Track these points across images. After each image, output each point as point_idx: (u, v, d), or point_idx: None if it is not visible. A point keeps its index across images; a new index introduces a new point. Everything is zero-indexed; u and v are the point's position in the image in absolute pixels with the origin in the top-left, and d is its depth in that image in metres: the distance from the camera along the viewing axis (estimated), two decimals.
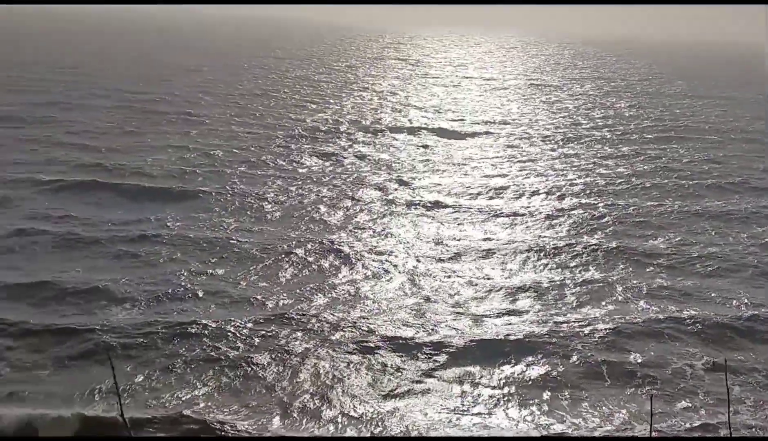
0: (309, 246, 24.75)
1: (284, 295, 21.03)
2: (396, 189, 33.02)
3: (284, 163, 37.33)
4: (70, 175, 32.41)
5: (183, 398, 15.68)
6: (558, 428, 15.34)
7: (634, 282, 23.05)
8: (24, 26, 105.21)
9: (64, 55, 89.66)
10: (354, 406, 15.75)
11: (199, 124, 47.96)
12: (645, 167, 39.48)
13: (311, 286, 21.80)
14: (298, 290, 21.42)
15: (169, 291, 20.86)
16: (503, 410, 15.96)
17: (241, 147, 40.75)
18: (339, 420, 15.29)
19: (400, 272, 23.20)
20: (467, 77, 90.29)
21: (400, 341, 18.56)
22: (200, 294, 20.77)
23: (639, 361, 18.20)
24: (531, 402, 16.32)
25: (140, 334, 18.10)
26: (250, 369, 16.96)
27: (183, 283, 21.38)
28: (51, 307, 19.75)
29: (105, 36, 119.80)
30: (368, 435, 14.76)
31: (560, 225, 28.57)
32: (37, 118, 46.27)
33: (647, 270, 24.20)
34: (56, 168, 33.67)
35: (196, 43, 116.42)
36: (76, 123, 45.26)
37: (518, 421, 15.61)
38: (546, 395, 16.59)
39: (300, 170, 36.09)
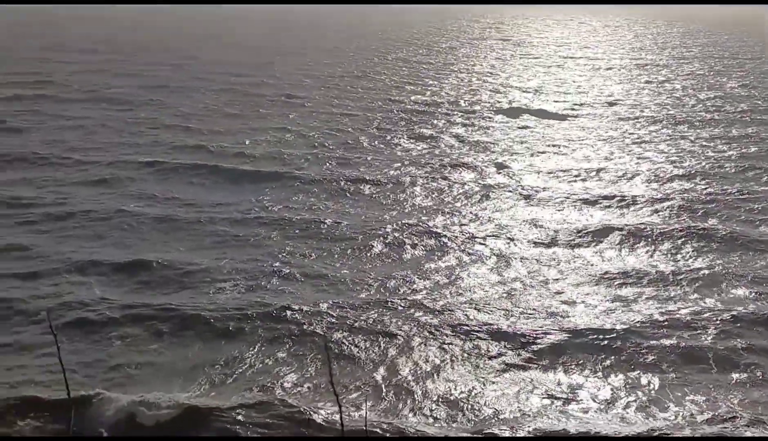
0: (404, 229, 24.65)
1: (379, 278, 20.98)
2: (493, 171, 32.56)
3: (381, 145, 37.32)
4: (174, 156, 33.23)
5: (278, 382, 15.75)
6: (661, 416, 14.81)
7: (746, 269, 22.05)
8: (124, 21, 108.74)
9: (170, 43, 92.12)
10: (451, 393, 15.55)
11: (299, 106, 48.46)
12: (756, 149, 37.74)
13: (406, 269, 21.69)
14: (393, 273, 21.33)
15: (268, 272, 21.09)
16: (605, 399, 15.49)
17: (340, 129, 40.95)
18: (435, 406, 15.09)
19: (497, 256, 22.84)
20: (570, 57, 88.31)
21: (498, 327, 18.24)
22: (298, 276, 20.93)
23: (748, 350, 17.41)
24: (634, 390, 15.81)
25: (240, 315, 18.33)
26: (345, 353, 16.95)
27: (282, 266, 21.58)
28: (155, 286, 20.23)
29: (207, 26, 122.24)
30: (468, 427, 14.55)
31: (665, 209, 27.58)
32: (144, 101, 47.72)
33: (759, 257, 23.12)
34: (161, 149, 34.61)
35: (301, 31, 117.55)
36: (181, 106, 46.43)
37: (622, 408, 15.14)
38: (649, 384, 16.05)
39: (397, 152, 35.99)
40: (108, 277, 20.64)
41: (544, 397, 15.52)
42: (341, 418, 14.19)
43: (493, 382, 16.00)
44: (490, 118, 46.53)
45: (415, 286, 20.49)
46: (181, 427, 14.07)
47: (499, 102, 52.49)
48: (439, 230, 24.71)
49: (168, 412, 14.19)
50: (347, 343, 17.27)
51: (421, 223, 25.34)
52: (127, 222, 24.78)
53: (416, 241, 23.75)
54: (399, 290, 20.20)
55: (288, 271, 21.21)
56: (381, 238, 23.86)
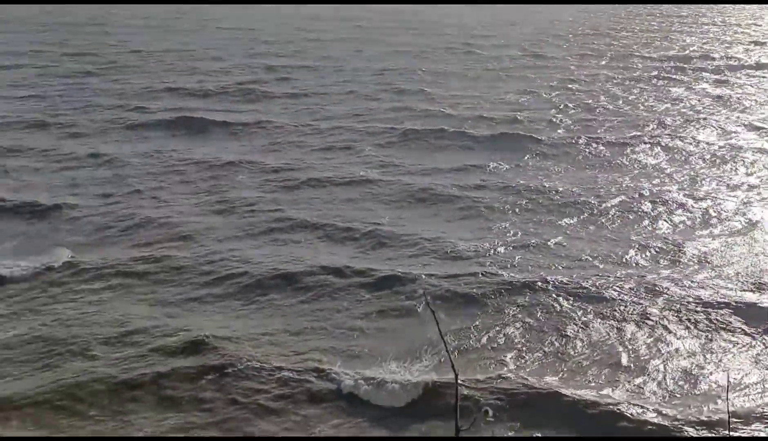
0: (645, 195, 23.38)
1: (616, 249, 19.90)
2: (747, 131, 30.07)
3: (624, 105, 35.69)
4: (412, 122, 33.65)
5: (512, 357, 15.13)
6: None
7: None
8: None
9: (406, 12, 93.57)
10: (700, 374, 14.40)
11: (539, 67, 47.52)
12: None
13: (645, 239, 20.44)
14: (630, 243, 20.19)
15: (500, 241, 20.49)
16: None
17: (580, 89, 39.67)
18: (681, 388, 13.98)
19: (748, 224, 21.05)
20: None
21: (754, 303, 16.69)
22: (530, 245, 20.26)
23: None
24: None
25: (472, 285, 17.79)
26: (581, 329, 16.20)
27: (514, 234, 21.02)
28: (388, 252, 20.32)
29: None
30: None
31: None
32: (383, 67, 48.79)
33: None
34: (401, 115, 35.19)
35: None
36: (419, 71, 47.03)
37: None
38: None
39: (640, 112, 34.26)
40: (347, 242, 21.16)
41: None
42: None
43: (749, 369, 14.62)
44: (745, 73, 43.04)
45: (656, 257, 19.34)
46: (416, 405, 13.64)
47: (757, 55, 48.37)
48: (683, 196, 23.20)
49: (400, 389, 13.85)
50: (583, 318, 16.58)
51: (663, 189, 23.94)
52: (366, 188, 25.32)
53: (657, 208, 22.46)
54: (637, 261, 19.17)
55: (520, 239, 20.72)
56: (618, 206, 22.79)
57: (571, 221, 21.99)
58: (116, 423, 13.19)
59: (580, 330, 16.04)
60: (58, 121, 34.01)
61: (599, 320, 16.34)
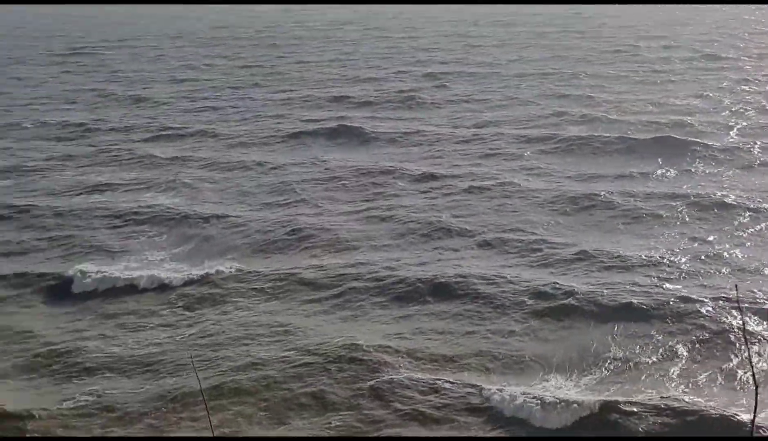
0: None
1: None
2: None
3: None
4: (569, 128, 32.86)
5: (674, 376, 14.41)
6: None
7: None
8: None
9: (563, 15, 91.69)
10: None
11: (714, 69, 45.34)
12: None
13: None
14: None
15: (666, 252, 19.55)
16: None
17: (755, 91, 37.87)
18: None
19: None
20: None
21: None
22: (704, 260, 19.08)
23: None
24: None
25: (633, 297, 16.94)
26: (761, 351, 15.15)
27: (688, 248, 19.96)
28: (540, 263, 19.81)
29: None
30: None
31: None
32: (547, 71, 48.00)
33: None
34: (556, 121, 34.47)
35: None
36: (583, 74, 45.94)
37: None
38: None
39: None
40: (507, 250, 20.75)
41: None
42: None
43: None
44: None
45: None
46: (579, 426, 13.13)
47: None
48: None
49: (561, 409, 13.34)
50: (762, 335, 15.54)
51: None
52: (526, 196, 24.70)
53: None
54: None
55: (689, 249, 19.67)
56: None
57: (746, 231, 20.76)
58: (280, 425, 13.55)
59: (756, 348, 15.06)
60: (227, 131, 35.53)
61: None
